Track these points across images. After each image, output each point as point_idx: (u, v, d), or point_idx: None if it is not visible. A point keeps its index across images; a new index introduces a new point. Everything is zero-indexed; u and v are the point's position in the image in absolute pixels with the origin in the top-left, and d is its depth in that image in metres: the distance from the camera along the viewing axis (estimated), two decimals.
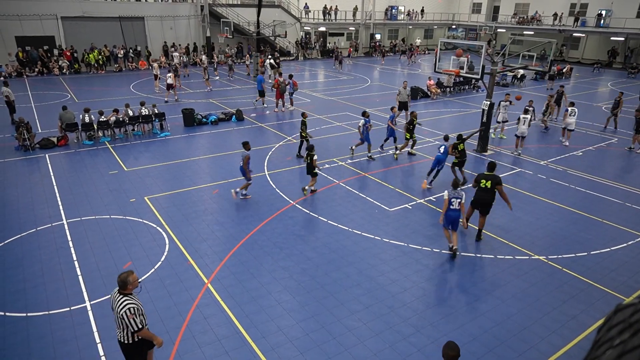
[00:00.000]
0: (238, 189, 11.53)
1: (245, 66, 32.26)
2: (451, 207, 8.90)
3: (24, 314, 7.22)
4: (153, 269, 8.49)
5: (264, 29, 31.12)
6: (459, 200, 8.90)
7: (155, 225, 10.14)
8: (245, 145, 11.15)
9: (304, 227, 10.23)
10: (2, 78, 26.07)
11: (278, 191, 12.10)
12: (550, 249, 9.58)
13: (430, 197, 11.93)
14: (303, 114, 14.35)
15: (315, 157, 11.48)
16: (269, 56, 30.53)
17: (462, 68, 15.24)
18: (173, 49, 33.84)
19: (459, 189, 8.99)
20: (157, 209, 10.92)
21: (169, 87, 21.84)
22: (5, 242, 9.38)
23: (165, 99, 22.12)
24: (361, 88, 27.58)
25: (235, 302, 7.62)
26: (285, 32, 34.40)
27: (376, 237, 9.84)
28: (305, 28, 43.54)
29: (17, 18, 28.97)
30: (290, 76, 21.99)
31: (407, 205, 11.43)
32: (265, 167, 13.83)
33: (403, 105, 18.13)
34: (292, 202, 11.48)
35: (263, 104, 22.00)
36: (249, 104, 22.24)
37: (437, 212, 11.06)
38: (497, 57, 15.43)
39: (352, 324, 7.18)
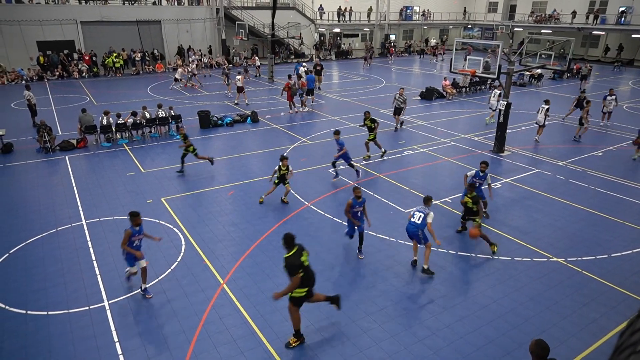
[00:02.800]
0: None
1: (255, 68, 32.24)
2: (412, 219, 8.50)
3: (45, 312, 7.38)
4: (169, 269, 8.58)
5: (278, 30, 31.25)
6: (421, 214, 8.38)
7: (171, 226, 10.26)
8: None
9: (319, 229, 10.23)
10: (24, 82, 26.70)
11: (293, 192, 12.12)
12: (570, 251, 9.40)
13: (446, 199, 11.83)
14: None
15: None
16: (303, 64, 28.99)
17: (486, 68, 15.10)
18: (208, 55, 34.33)
19: (428, 206, 8.50)
20: (174, 210, 11.05)
21: (240, 89, 22.38)
22: (27, 242, 9.59)
23: (236, 101, 22.74)
24: (376, 89, 27.49)
25: (251, 302, 7.66)
26: (300, 33, 34.51)
27: (391, 239, 9.79)
28: (319, 29, 43.60)
29: (38, 23, 29.66)
30: (299, 77, 22.07)
31: None
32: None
33: (397, 111, 17.90)
34: (307, 203, 11.50)
35: (312, 102, 22.67)
36: (264, 106, 22.35)
37: (452, 214, 10.96)
38: (514, 56, 15.23)
39: (367, 325, 7.15)
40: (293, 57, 40.08)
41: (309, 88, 22.02)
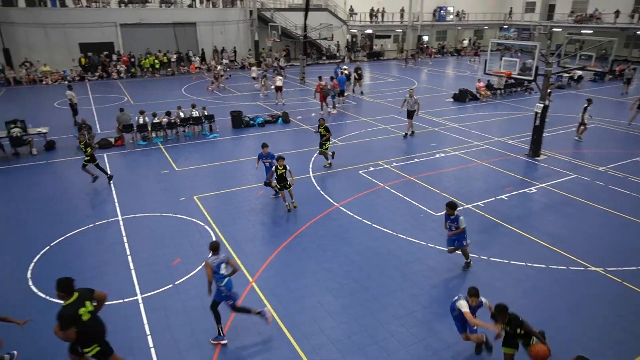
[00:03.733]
0: None
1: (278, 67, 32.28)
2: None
3: None
4: (200, 266, 8.75)
5: (310, 32, 31.38)
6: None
7: (203, 224, 10.46)
8: None
9: (347, 230, 10.21)
10: (66, 82, 27.83)
11: (322, 193, 12.14)
12: (609, 260, 9.02)
13: (478, 203, 11.57)
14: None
15: None
16: (344, 66, 28.06)
17: (527, 70, 14.54)
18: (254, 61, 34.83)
19: (470, 299, 6.32)
20: (206, 208, 11.26)
21: (278, 89, 22.91)
22: (66, 235, 9.97)
23: (276, 101, 23.21)
24: (406, 90, 27.16)
25: (279, 301, 7.71)
26: (332, 35, 34.53)
27: (421, 242, 9.66)
28: (351, 30, 43.53)
29: (80, 26, 30.87)
30: (332, 78, 22.10)
31: None
32: (310, 169, 13.93)
33: (410, 115, 17.39)
34: (336, 204, 11.50)
35: (343, 102, 23.09)
36: (295, 107, 22.50)
37: (484, 218, 10.70)
38: (552, 57, 14.76)
39: (395, 329, 7.08)
40: (325, 58, 40.17)
41: (341, 89, 22.16)
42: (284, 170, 10.88)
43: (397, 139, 17.08)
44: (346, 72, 25.54)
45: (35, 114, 20.50)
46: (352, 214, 10.94)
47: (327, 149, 14.02)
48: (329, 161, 14.27)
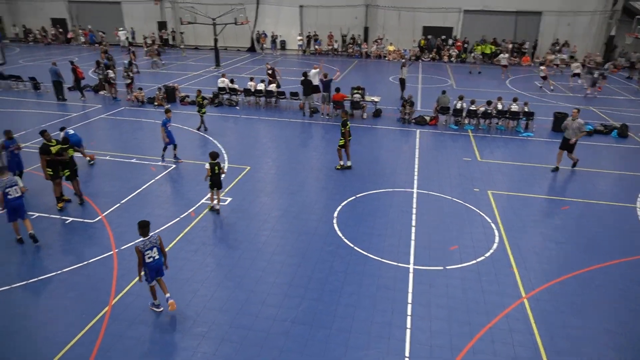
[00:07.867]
0: None
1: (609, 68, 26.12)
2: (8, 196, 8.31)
3: (365, 253, 8.80)
4: (475, 261, 8.61)
5: None
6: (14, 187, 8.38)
7: (489, 220, 10.14)
8: None
9: None
10: (402, 60, 31.09)
11: None
12: None
13: None
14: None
15: None
16: None
17: None
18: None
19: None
20: (497, 205, 10.84)
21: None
22: (369, 192, 11.48)
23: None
24: None
25: (548, 331, 6.86)
26: None
27: None
28: None
29: (429, 10, 33.50)
30: None
31: None
32: (639, 199, 11.37)
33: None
34: None
35: None
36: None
37: None
38: None
39: None
40: None
41: None
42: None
43: None
44: None
45: (373, 85, 23.88)
46: None
47: (340, 146, 12.69)
48: (342, 163, 13.00)
